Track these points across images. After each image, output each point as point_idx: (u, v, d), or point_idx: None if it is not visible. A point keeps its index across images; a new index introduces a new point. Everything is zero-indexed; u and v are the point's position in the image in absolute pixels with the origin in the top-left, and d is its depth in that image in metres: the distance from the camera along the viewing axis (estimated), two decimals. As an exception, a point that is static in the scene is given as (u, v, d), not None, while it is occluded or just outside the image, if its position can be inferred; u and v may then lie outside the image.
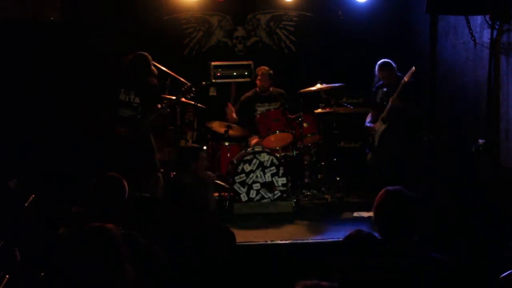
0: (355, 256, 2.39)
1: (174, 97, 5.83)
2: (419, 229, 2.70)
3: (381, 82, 5.99)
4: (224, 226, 3.49)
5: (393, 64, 5.85)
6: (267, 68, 6.74)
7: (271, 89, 6.80)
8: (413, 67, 5.55)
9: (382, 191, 2.78)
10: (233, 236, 3.42)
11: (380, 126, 5.91)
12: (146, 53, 5.59)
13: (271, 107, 6.51)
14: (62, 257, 2.05)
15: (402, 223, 2.64)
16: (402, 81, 5.58)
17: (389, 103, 5.74)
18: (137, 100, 5.57)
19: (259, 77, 6.74)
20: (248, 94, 6.87)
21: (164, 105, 5.71)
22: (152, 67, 5.66)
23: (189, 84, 5.93)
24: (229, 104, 6.77)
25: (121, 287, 2.08)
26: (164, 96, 6.04)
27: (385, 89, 5.93)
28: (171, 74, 6.28)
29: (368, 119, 6.17)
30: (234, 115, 6.65)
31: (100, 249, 2.07)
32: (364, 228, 2.52)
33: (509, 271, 2.61)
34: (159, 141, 6.77)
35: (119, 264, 2.07)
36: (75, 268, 2.01)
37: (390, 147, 5.82)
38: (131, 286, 2.09)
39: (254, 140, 6.45)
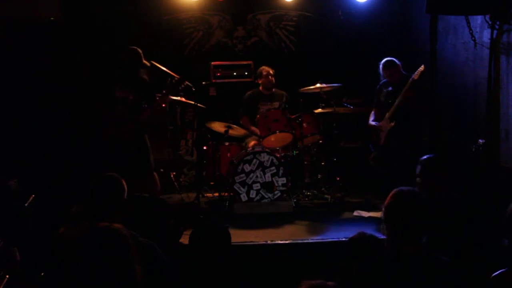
0: (358, 258, 2.37)
1: (164, 92, 5.70)
2: (428, 231, 2.60)
3: (384, 81, 5.97)
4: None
5: (398, 62, 5.80)
6: (268, 68, 6.78)
7: (273, 89, 6.83)
8: (423, 66, 5.49)
9: (394, 191, 2.63)
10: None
11: (386, 125, 5.87)
12: (136, 47, 5.58)
13: (273, 107, 6.52)
14: (69, 257, 2.04)
15: (414, 225, 2.54)
16: (411, 79, 5.51)
17: (396, 100, 5.68)
18: (131, 97, 5.55)
19: (264, 75, 6.73)
20: (250, 92, 6.88)
21: (157, 101, 5.63)
22: (144, 61, 5.63)
23: (178, 76, 5.90)
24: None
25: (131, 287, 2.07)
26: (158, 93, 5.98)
27: (390, 88, 5.90)
28: (171, 74, 6.27)
29: (372, 117, 6.13)
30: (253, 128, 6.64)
31: (111, 249, 2.06)
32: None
33: (501, 270, 2.58)
34: (159, 141, 6.77)
35: (130, 264, 2.07)
36: (85, 268, 2.00)
37: (397, 146, 5.77)
38: (140, 286, 2.08)
39: (251, 142, 6.44)
